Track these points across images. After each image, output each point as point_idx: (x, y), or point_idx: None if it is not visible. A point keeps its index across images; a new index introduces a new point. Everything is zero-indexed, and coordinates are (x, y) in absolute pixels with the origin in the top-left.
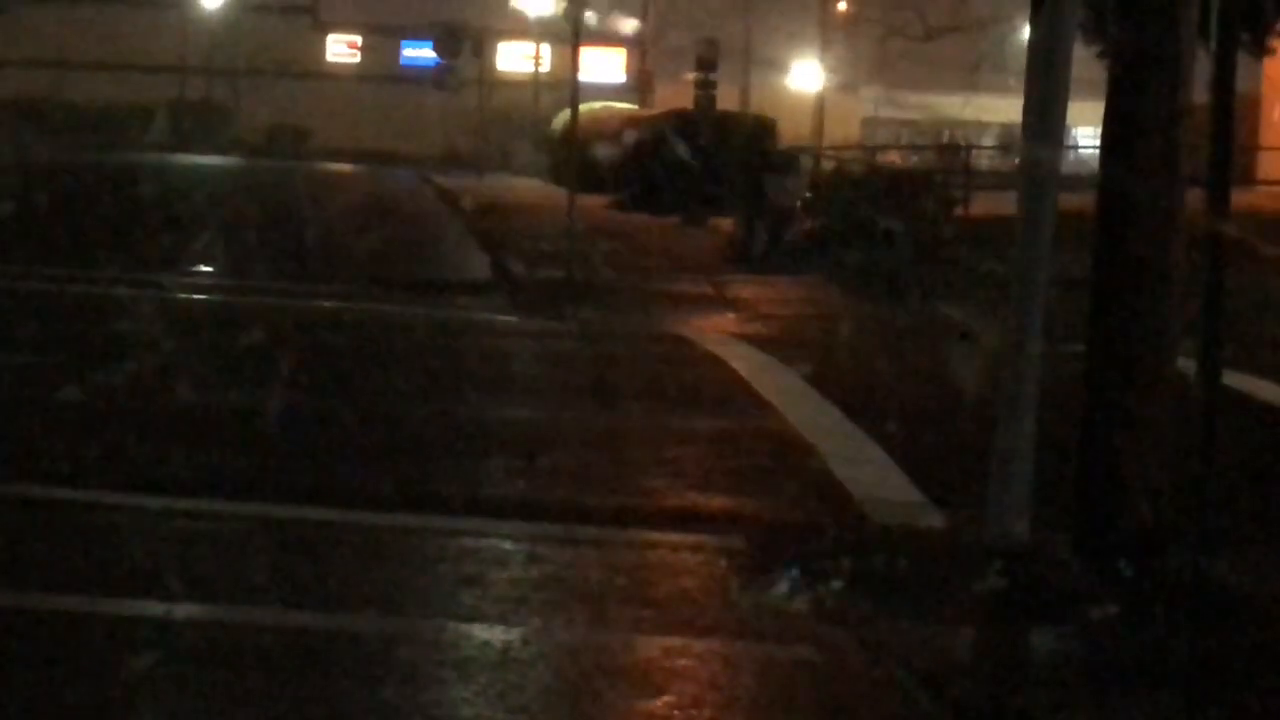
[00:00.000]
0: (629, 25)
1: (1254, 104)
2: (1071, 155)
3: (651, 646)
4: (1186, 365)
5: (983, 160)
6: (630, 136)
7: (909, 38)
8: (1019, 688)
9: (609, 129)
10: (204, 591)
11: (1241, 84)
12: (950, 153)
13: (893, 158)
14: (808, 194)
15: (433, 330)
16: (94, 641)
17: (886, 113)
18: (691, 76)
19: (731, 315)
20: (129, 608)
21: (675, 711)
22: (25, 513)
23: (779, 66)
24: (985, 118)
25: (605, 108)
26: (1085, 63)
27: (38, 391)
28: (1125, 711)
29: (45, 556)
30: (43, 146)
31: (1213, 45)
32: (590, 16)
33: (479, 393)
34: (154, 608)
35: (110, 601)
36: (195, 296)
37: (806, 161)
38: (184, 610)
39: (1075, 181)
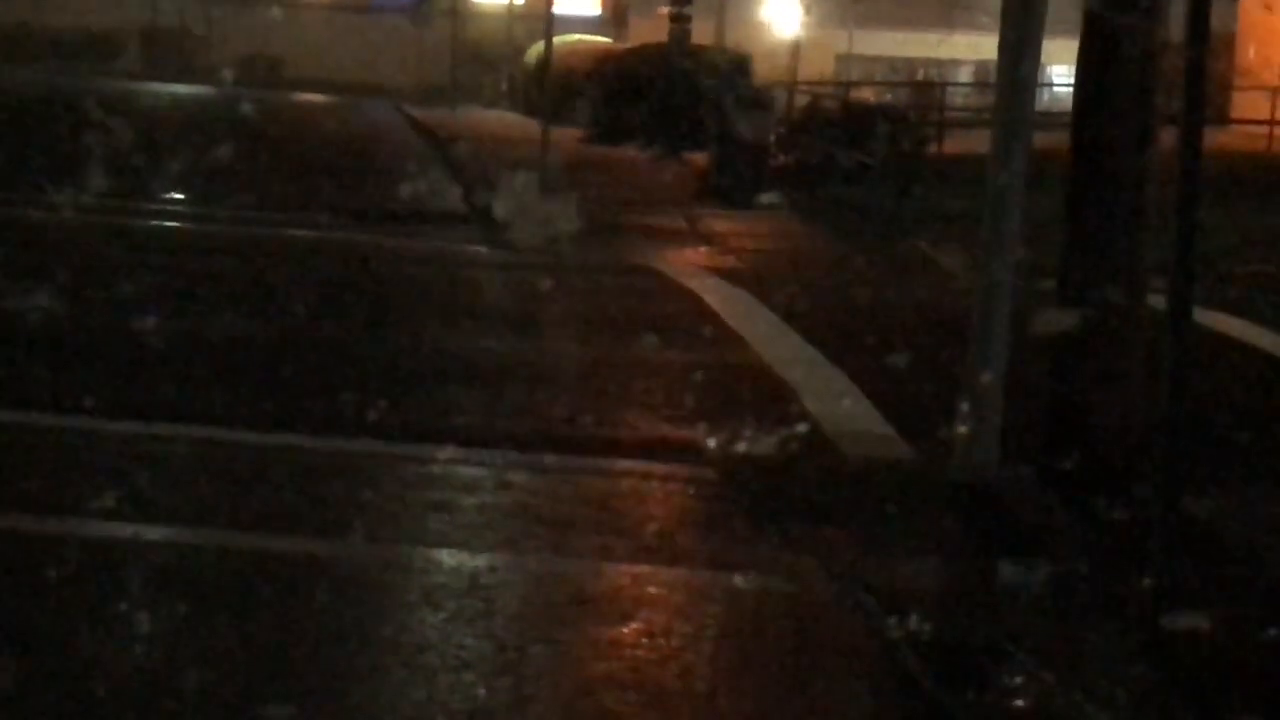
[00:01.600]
0: None
1: (1229, 43)
2: (1046, 94)
3: (620, 574)
4: (1157, 301)
5: (957, 97)
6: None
7: None
8: (984, 618)
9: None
10: (172, 516)
11: (1217, 23)
12: (924, 90)
13: (867, 94)
14: (782, 129)
15: (403, 260)
16: (57, 562)
17: (861, 49)
18: (666, 11)
19: (704, 249)
20: (95, 529)
21: (644, 639)
22: None
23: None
24: (960, 55)
25: (579, 41)
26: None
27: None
28: (1088, 642)
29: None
30: (18, 71)
31: None
32: None
33: (450, 323)
34: (121, 529)
35: (75, 521)
36: (165, 224)
37: (781, 97)
38: (151, 533)
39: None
